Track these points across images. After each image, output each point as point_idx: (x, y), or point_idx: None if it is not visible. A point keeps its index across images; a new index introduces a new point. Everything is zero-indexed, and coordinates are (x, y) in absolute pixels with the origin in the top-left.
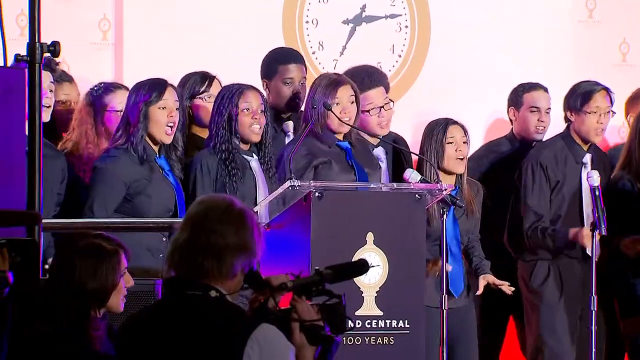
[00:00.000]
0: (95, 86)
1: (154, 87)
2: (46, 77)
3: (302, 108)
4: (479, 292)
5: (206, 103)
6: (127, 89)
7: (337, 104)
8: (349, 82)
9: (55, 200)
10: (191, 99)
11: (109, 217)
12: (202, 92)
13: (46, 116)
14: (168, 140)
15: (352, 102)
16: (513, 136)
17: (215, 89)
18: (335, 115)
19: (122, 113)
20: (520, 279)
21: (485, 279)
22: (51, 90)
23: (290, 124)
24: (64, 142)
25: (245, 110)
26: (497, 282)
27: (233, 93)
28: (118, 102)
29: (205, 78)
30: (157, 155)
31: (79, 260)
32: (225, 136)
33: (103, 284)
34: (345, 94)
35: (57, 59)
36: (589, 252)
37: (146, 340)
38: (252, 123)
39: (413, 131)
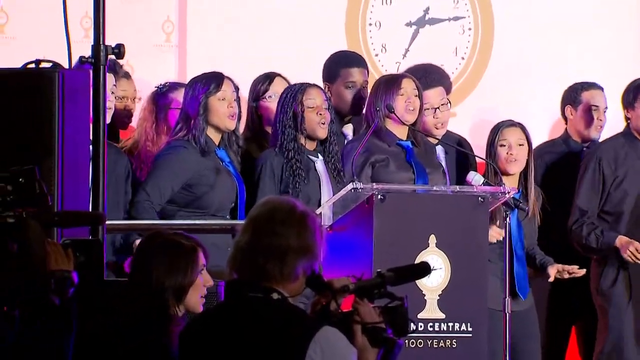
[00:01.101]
0: (161, 85)
1: (212, 79)
2: (109, 80)
3: (364, 111)
4: (550, 279)
5: (270, 103)
6: None
7: (402, 94)
8: (412, 77)
9: (124, 200)
10: (256, 100)
11: (162, 203)
12: (265, 92)
13: (107, 118)
14: (232, 125)
15: (416, 95)
16: (567, 136)
17: (277, 87)
18: (398, 117)
19: None
20: (591, 281)
21: (555, 267)
22: (112, 92)
23: (349, 127)
24: (125, 141)
25: (309, 107)
26: (567, 267)
27: (296, 91)
28: (182, 99)
29: (267, 77)
30: (217, 147)
31: (157, 256)
32: (291, 134)
33: (180, 281)
34: (409, 85)
35: (120, 61)
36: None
37: (208, 342)
38: (318, 119)
39: (476, 133)
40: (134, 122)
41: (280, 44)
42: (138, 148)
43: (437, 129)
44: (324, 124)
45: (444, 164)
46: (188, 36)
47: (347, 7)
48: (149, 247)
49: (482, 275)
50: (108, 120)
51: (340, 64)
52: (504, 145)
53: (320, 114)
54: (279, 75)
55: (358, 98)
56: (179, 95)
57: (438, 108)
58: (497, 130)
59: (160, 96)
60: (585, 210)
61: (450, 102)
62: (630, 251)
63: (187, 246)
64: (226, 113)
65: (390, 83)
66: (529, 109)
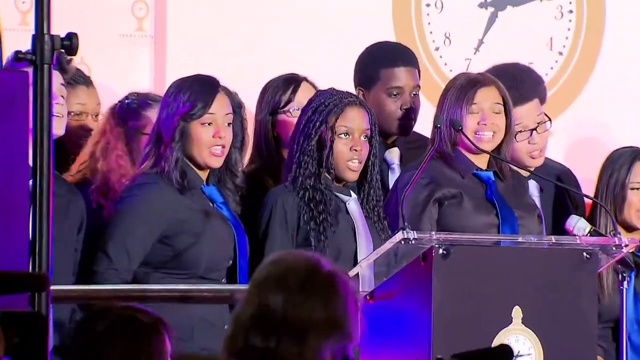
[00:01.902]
0: (127, 98)
1: (199, 94)
2: (56, 79)
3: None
4: None
5: (293, 118)
6: None
7: (474, 112)
8: (496, 82)
9: (73, 259)
10: (272, 114)
11: (131, 268)
12: (286, 104)
13: (58, 129)
14: (216, 163)
15: (499, 112)
16: None
17: (303, 97)
18: (468, 138)
19: None
20: None
21: None
22: (62, 96)
23: (395, 152)
24: (79, 171)
25: (343, 135)
26: None
27: (330, 109)
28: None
29: (289, 82)
30: (204, 183)
31: (104, 340)
32: (311, 168)
33: None
34: (488, 97)
35: (73, 58)
36: None
37: None
38: (352, 156)
39: (580, 161)
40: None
41: (297, 34)
42: (110, 185)
43: (533, 157)
44: (357, 164)
45: (538, 204)
46: (168, 23)
47: None
48: (94, 328)
49: None
50: (60, 132)
51: (379, 62)
52: (636, 189)
53: (355, 150)
54: (306, 79)
55: (406, 110)
56: (154, 115)
57: (535, 129)
58: (626, 162)
59: (129, 115)
60: None
61: (550, 120)
62: None
63: (147, 323)
64: (208, 145)
65: (460, 91)
66: None
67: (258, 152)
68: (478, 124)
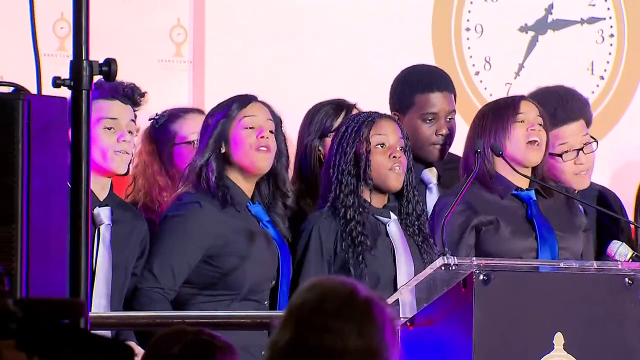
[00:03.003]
0: (157, 115)
1: (235, 100)
2: (125, 114)
3: (463, 153)
4: None
5: None
6: (200, 112)
7: (522, 121)
8: (532, 100)
9: (129, 283)
10: (321, 137)
11: (175, 287)
12: (337, 129)
13: (122, 168)
14: (264, 164)
15: (541, 124)
16: None
17: None
18: (508, 163)
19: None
20: None
21: None
22: (131, 132)
23: (433, 172)
24: (127, 197)
25: (379, 145)
26: None
27: (360, 122)
28: (189, 129)
29: (341, 108)
30: (251, 202)
31: None
32: (350, 185)
33: None
34: (531, 109)
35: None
36: None
37: None
38: (391, 164)
39: (621, 185)
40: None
41: (335, 59)
42: (152, 203)
43: (580, 178)
44: (398, 170)
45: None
46: (207, 48)
47: (434, 5)
48: (170, 351)
49: None
50: (123, 171)
51: (415, 87)
52: None
53: (394, 157)
54: (355, 106)
55: (442, 135)
56: (185, 125)
57: (582, 149)
58: None
59: (160, 130)
60: None
61: (596, 140)
62: None
63: (220, 347)
64: (253, 145)
65: (502, 107)
66: None
67: (301, 174)
68: (527, 130)
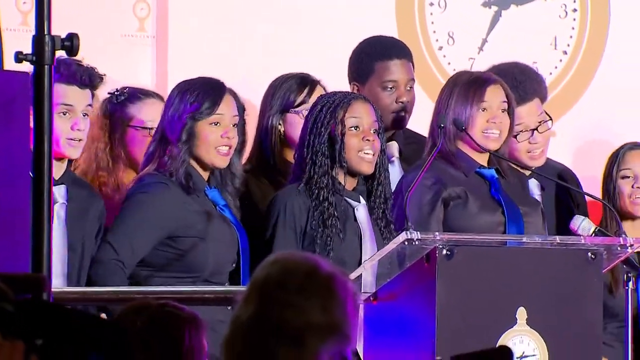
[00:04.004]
0: (117, 91)
1: (207, 94)
2: (82, 99)
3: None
4: None
5: (302, 120)
6: (161, 99)
7: (484, 109)
8: (501, 82)
9: (88, 262)
10: (283, 112)
11: (133, 263)
12: (300, 104)
13: (74, 154)
14: (223, 163)
15: (505, 110)
16: None
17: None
18: (472, 138)
19: (152, 130)
20: None
21: None
22: (86, 115)
23: (394, 146)
24: (75, 169)
25: (353, 128)
26: None
27: (336, 104)
28: (147, 115)
29: (305, 84)
30: (208, 186)
31: (145, 335)
32: (325, 165)
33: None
34: (496, 96)
35: (79, 59)
36: None
37: None
38: (364, 147)
39: (584, 160)
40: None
41: (298, 34)
42: (88, 180)
43: (533, 158)
44: (371, 154)
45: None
46: (170, 23)
47: None
48: (135, 323)
49: None
50: (75, 155)
51: (373, 56)
52: (628, 177)
53: (368, 140)
54: (320, 83)
55: (401, 103)
56: (142, 109)
57: (536, 129)
58: (617, 156)
59: (116, 108)
60: None
61: (551, 119)
62: None
63: (186, 317)
64: (217, 144)
65: (468, 89)
66: None
67: (260, 149)
68: (487, 121)
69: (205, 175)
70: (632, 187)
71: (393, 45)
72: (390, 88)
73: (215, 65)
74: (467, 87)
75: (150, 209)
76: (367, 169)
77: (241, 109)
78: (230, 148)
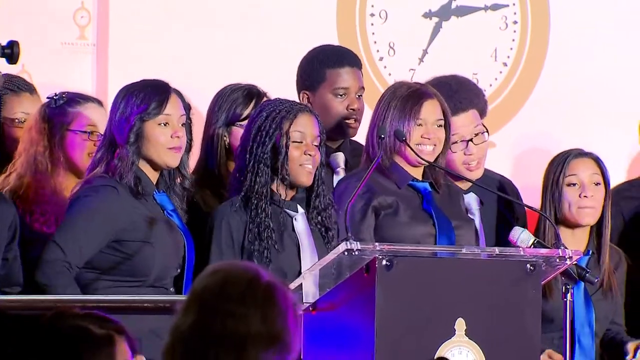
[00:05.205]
0: (55, 95)
1: (153, 95)
2: (19, 103)
3: (367, 135)
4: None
5: None
6: (100, 103)
7: (420, 124)
8: (437, 96)
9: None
10: (228, 125)
11: (79, 265)
12: (246, 118)
13: None
14: (174, 161)
15: (441, 125)
16: None
17: None
18: (411, 148)
19: (92, 134)
20: None
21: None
22: (16, 120)
23: (340, 157)
24: (5, 177)
25: (297, 141)
26: None
27: (282, 115)
28: (86, 119)
29: (251, 97)
30: (156, 190)
31: (49, 353)
32: (266, 175)
33: None
34: (432, 112)
35: (14, 67)
36: None
37: None
38: (304, 160)
39: (525, 171)
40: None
41: (240, 41)
42: (24, 186)
43: (470, 169)
44: (309, 167)
45: (477, 219)
46: (110, 31)
47: None
48: (41, 339)
49: None
50: None
51: (324, 64)
52: (574, 184)
53: (309, 155)
54: (266, 95)
55: (351, 111)
56: (82, 114)
57: (471, 140)
58: (562, 163)
59: (55, 112)
60: None
61: (487, 130)
62: None
63: (99, 335)
64: (167, 144)
65: (405, 103)
66: (599, 135)
67: (205, 164)
68: (422, 136)
69: (154, 177)
70: (579, 196)
71: (345, 53)
72: (342, 95)
73: (156, 73)
74: (404, 101)
75: (98, 211)
76: (307, 180)
77: (187, 108)
78: (180, 148)
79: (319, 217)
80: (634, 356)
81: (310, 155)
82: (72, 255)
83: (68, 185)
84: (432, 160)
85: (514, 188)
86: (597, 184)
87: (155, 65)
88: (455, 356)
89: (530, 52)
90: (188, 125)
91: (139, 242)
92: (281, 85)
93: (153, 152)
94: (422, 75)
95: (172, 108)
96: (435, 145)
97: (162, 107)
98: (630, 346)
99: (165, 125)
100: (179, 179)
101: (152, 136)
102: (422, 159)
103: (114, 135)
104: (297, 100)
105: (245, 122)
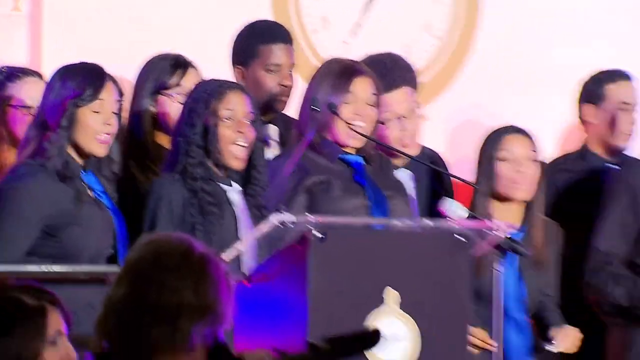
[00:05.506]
0: None
1: (89, 81)
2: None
3: (299, 111)
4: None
5: (174, 103)
6: (40, 76)
7: (348, 102)
8: (369, 73)
9: None
10: (155, 93)
11: (18, 256)
12: (172, 87)
13: None
14: (102, 153)
15: (372, 103)
16: (587, 148)
17: (190, 82)
18: (344, 121)
19: (32, 110)
20: (612, 351)
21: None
22: None
23: (274, 129)
24: None
25: (227, 120)
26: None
27: (210, 94)
28: (27, 94)
29: (178, 66)
30: (83, 171)
31: None
32: (199, 156)
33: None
34: (362, 89)
35: None
36: None
37: None
38: (236, 139)
39: (460, 144)
40: None
41: (173, 13)
42: None
43: (404, 146)
44: (244, 147)
45: (412, 194)
46: (44, 2)
47: None
48: None
49: (462, 346)
50: None
51: (257, 40)
52: (507, 160)
53: (241, 132)
54: (192, 64)
55: (283, 87)
56: (23, 88)
57: (405, 116)
58: (495, 139)
59: None
60: (610, 255)
61: (420, 107)
62: None
63: (31, 307)
64: (98, 132)
65: (336, 79)
66: (532, 110)
67: (132, 129)
68: (353, 113)
69: (81, 161)
70: (513, 171)
71: (277, 29)
72: (273, 71)
73: (89, 44)
74: (336, 77)
75: (26, 200)
76: (237, 165)
77: (120, 92)
78: (110, 136)
79: (256, 191)
80: (553, 343)
81: (241, 132)
82: (8, 253)
83: (13, 160)
84: (359, 143)
85: (442, 161)
86: (531, 160)
87: (89, 36)
88: (386, 326)
89: (462, 25)
90: (119, 115)
91: (69, 225)
92: (212, 58)
93: (83, 138)
94: (356, 49)
95: (107, 95)
96: (367, 123)
97: (97, 94)
98: (554, 333)
99: (98, 112)
100: (106, 164)
101: (84, 122)
102: (355, 132)
103: (46, 116)
104: (230, 77)
105: (171, 91)
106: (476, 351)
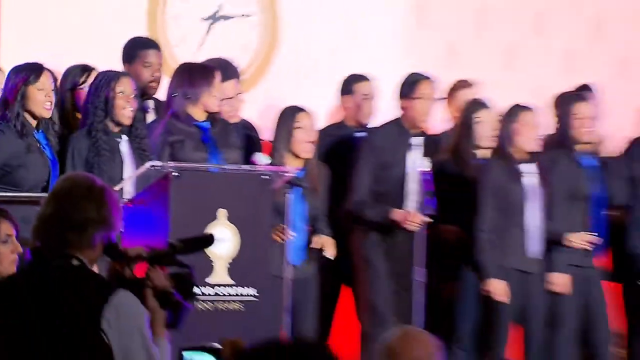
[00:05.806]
0: None
1: (32, 70)
2: None
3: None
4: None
5: (84, 92)
6: (1, 70)
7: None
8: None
9: None
10: (72, 89)
11: None
12: (82, 83)
13: None
14: (47, 114)
15: (223, 95)
16: (344, 122)
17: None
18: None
19: None
20: (353, 248)
21: (321, 239)
22: None
23: (150, 102)
24: None
25: (120, 94)
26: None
27: (111, 78)
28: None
29: (85, 70)
30: (36, 131)
31: None
32: (100, 116)
33: None
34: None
35: None
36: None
37: (11, 306)
38: (126, 106)
39: (265, 119)
40: None
41: (85, 32)
42: None
43: (231, 117)
44: (131, 111)
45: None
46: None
47: (149, 2)
48: None
49: (266, 245)
50: None
51: (138, 46)
52: (301, 128)
53: (129, 102)
54: (94, 69)
55: (154, 77)
56: None
57: (232, 98)
58: (290, 114)
59: None
60: (362, 190)
61: (241, 93)
62: (410, 221)
63: None
64: (43, 102)
65: (200, 73)
66: (310, 96)
67: (60, 116)
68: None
69: (34, 123)
70: (304, 136)
71: (150, 40)
72: (148, 66)
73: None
74: (199, 70)
75: None
76: (127, 121)
77: (55, 79)
78: (51, 104)
79: (138, 143)
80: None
81: (129, 102)
82: None
83: None
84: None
85: (254, 127)
86: (313, 129)
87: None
88: (218, 232)
89: (269, 42)
90: (56, 92)
91: (19, 165)
92: (105, 60)
93: (33, 106)
94: (201, 58)
95: (45, 79)
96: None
97: (39, 77)
98: (315, 241)
99: (41, 90)
100: (51, 125)
101: (32, 96)
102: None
103: (7, 97)
104: (121, 69)
105: (82, 87)
106: (280, 240)
